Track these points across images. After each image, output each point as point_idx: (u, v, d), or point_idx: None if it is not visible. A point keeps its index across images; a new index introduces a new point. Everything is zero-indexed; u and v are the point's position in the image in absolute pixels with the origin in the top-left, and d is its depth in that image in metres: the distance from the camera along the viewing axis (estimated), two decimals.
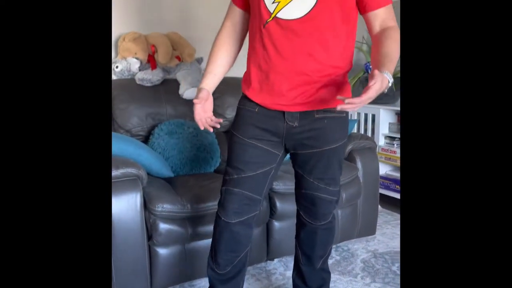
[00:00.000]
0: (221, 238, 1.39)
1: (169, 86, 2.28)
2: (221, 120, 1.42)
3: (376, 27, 1.27)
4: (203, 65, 2.48)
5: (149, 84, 2.23)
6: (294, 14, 1.20)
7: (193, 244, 1.76)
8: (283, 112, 1.30)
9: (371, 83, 1.06)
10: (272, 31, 1.23)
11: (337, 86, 1.30)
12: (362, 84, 2.89)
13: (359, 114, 2.99)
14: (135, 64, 2.22)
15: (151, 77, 2.22)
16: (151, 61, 2.26)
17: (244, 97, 1.37)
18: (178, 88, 2.27)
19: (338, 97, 1.13)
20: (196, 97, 1.36)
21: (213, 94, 1.44)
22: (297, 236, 1.55)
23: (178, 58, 2.34)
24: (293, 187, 1.52)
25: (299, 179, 1.43)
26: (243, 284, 1.50)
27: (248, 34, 1.38)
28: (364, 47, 3.11)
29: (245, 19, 1.40)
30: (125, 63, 2.22)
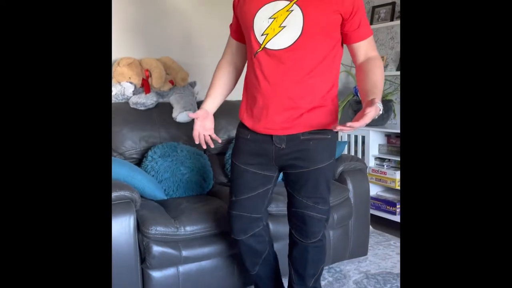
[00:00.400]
0: (241, 251, 1.61)
1: (163, 110, 2.31)
2: (219, 140, 1.53)
3: (360, 57, 1.39)
4: (196, 88, 2.53)
5: (143, 108, 2.26)
6: (281, 44, 1.31)
7: (187, 266, 1.76)
8: (272, 136, 1.40)
9: (367, 111, 1.20)
10: (261, 60, 1.35)
11: (322, 110, 1.38)
12: (352, 107, 2.95)
13: (349, 136, 3.04)
14: (129, 88, 2.25)
15: (145, 101, 2.25)
16: (145, 85, 2.30)
17: (240, 124, 1.50)
18: (171, 112, 2.30)
19: (334, 126, 1.25)
20: (195, 125, 1.50)
21: None
22: (290, 255, 1.59)
23: (171, 82, 2.39)
24: (286, 208, 1.56)
25: (290, 198, 1.51)
26: (279, 276, 1.68)
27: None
28: (353, 71, 3.19)
29: (242, 49, 1.53)
30: (119, 87, 2.26)
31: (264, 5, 1.33)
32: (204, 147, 1.54)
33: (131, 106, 2.25)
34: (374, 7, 3.12)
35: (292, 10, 1.29)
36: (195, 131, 1.51)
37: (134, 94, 2.28)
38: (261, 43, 1.33)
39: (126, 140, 2.17)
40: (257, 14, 1.33)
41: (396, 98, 3.03)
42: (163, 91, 2.37)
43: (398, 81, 3.00)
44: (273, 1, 1.32)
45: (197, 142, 1.53)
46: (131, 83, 2.27)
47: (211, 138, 1.55)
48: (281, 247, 1.93)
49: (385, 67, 3.07)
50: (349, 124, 1.20)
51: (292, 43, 1.30)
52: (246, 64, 1.49)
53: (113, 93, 2.26)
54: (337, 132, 1.45)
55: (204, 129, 1.51)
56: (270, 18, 1.31)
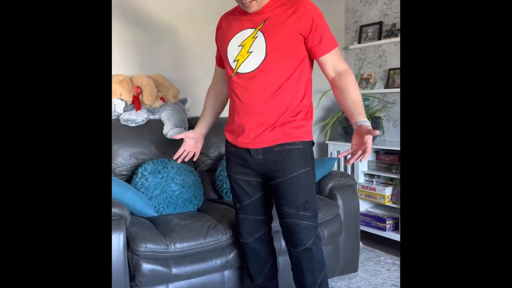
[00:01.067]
0: (246, 256, 1.73)
1: (153, 126, 2.32)
2: (194, 159, 1.83)
3: (330, 71, 1.53)
4: (187, 105, 2.54)
5: (133, 125, 2.26)
6: (249, 68, 1.49)
7: (177, 284, 1.74)
8: (249, 149, 1.54)
9: (366, 138, 1.36)
10: (235, 83, 1.53)
11: (293, 124, 1.50)
12: (341, 123, 2.98)
13: (338, 152, 3.07)
14: (120, 105, 2.26)
15: (136, 117, 2.26)
16: (136, 102, 2.31)
17: (226, 139, 1.65)
18: (162, 128, 2.31)
19: (342, 153, 1.47)
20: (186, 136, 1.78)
21: None
22: (291, 267, 1.65)
23: (162, 99, 2.40)
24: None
25: (277, 210, 1.60)
26: None
27: None
28: None
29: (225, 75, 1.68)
30: None
31: (234, 35, 1.52)
32: (179, 161, 1.80)
33: (122, 123, 2.26)
34: (361, 27, 3.18)
35: (256, 37, 1.47)
36: (186, 146, 1.75)
37: (125, 110, 2.29)
38: (234, 68, 1.52)
39: (117, 157, 2.17)
40: (229, 43, 1.53)
41: (384, 115, 3.08)
42: (154, 108, 2.38)
43: (386, 98, 3.05)
44: (242, 30, 1.51)
45: (175, 157, 1.79)
46: (122, 99, 2.27)
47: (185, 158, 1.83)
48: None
49: (373, 84, 3.12)
50: (362, 158, 1.41)
51: (258, 66, 1.47)
52: None
53: None
54: (311, 141, 1.57)
55: (193, 148, 1.77)
56: (239, 45, 1.50)
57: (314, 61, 1.56)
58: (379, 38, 3.05)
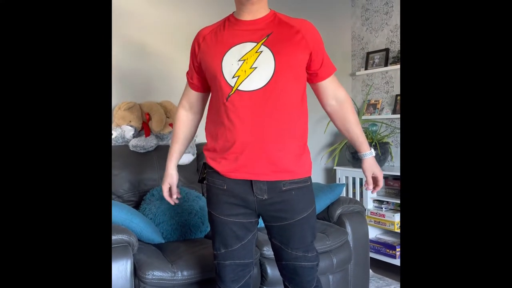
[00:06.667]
0: None
1: (162, 152, 2.33)
2: (178, 198, 1.60)
3: (329, 98, 1.46)
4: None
5: (142, 151, 2.28)
6: (254, 85, 1.30)
7: None
8: (251, 183, 1.34)
9: (378, 184, 1.52)
10: (235, 103, 1.31)
11: (304, 156, 1.39)
12: (349, 149, 2.98)
13: (347, 178, 3.06)
14: (129, 132, 2.29)
15: (145, 143, 2.28)
16: (145, 129, 2.33)
17: (212, 172, 1.41)
18: None
19: (366, 187, 1.53)
20: (165, 189, 1.57)
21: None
22: None
23: (171, 125, 2.43)
24: None
25: (277, 251, 1.44)
26: None
27: (208, 108, 1.46)
28: None
29: (201, 98, 1.54)
30: (119, 131, 2.29)
31: (230, 48, 1.33)
32: (174, 202, 1.59)
33: (131, 149, 2.28)
34: (368, 53, 3.22)
35: (261, 51, 1.30)
36: (167, 197, 1.57)
37: (134, 137, 2.31)
38: (232, 85, 1.31)
39: (125, 183, 2.17)
40: (224, 58, 1.33)
41: (392, 140, 3.07)
42: (163, 134, 2.40)
43: (394, 124, 3.05)
44: (240, 43, 1.33)
45: (173, 203, 1.59)
46: (131, 126, 2.30)
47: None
48: None
49: (381, 110, 3.13)
50: (374, 190, 1.54)
51: (266, 83, 1.30)
52: (208, 110, 1.45)
53: (113, 136, 2.29)
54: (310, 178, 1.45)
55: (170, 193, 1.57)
56: (239, 60, 1.31)
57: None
58: (386, 65, 3.08)
